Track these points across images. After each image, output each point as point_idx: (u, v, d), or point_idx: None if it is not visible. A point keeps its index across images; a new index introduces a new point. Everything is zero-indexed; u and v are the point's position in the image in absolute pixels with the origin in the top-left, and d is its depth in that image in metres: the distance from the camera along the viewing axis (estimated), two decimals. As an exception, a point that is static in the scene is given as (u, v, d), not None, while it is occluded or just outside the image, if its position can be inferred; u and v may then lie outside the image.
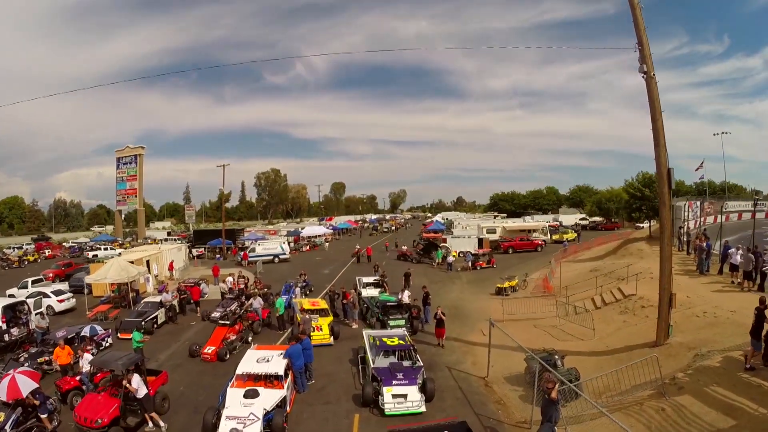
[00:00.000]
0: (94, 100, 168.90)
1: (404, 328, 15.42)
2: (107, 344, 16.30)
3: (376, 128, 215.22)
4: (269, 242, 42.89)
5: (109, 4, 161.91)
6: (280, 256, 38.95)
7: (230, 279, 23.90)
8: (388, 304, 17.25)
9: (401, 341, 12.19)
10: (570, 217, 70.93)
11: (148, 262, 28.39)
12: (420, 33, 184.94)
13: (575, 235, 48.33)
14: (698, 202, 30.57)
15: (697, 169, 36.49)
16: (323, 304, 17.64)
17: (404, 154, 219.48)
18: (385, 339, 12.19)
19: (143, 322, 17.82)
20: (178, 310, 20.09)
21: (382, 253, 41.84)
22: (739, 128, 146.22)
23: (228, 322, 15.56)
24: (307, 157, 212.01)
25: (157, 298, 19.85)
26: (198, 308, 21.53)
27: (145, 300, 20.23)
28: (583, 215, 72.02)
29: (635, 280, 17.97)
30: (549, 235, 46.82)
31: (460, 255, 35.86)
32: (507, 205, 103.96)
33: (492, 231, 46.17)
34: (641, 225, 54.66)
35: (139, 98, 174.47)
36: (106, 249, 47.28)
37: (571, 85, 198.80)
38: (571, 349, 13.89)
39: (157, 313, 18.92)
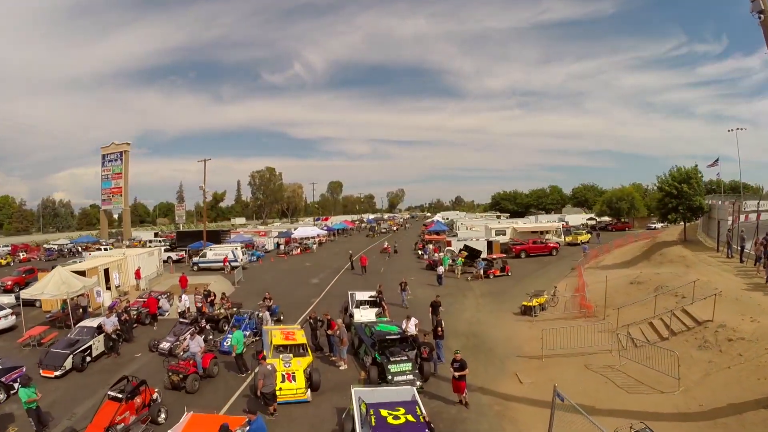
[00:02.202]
0: (92, 100, 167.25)
1: (412, 375, 11.24)
2: (20, 387, 12.21)
3: (374, 128, 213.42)
4: (221, 247, 36.94)
5: (107, 3, 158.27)
6: (232, 264, 32.28)
7: (185, 298, 18.85)
8: (388, 338, 12.68)
9: (410, 416, 7.78)
10: (576, 217, 67.67)
11: (106, 270, 24.11)
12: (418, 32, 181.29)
13: (588, 236, 44.47)
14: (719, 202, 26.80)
15: (710, 166, 33.22)
16: (301, 337, 13.03)
17: (402, 153, 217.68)
18: (384, 412, 7.78)
19: (71, 356, 13.79)
20: (121, 339, 15.73)
21: (380, 260, 36.81)
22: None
23: (120, 396, 9.39)
24: (305, 156, 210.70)
25: (95, 322, 15.60)
26: (155, 323, 18.06)
27: (80, 324, 15.91)
28: (591, 215, 68.26)
29: (704, 298, 13.87)
30: (563, 236, 43.10)
31: (467, 260, 31.45)
32: (509, 204, 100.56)
33: (501, 232, 42.34)
34: (653, 225, 51.05)
35: (138, 98, 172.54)
36: (105, 249, 42.79)
37: (569, 85, 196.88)
38: (648, 408, 9.77)
39: (91, 342, 14.71)
